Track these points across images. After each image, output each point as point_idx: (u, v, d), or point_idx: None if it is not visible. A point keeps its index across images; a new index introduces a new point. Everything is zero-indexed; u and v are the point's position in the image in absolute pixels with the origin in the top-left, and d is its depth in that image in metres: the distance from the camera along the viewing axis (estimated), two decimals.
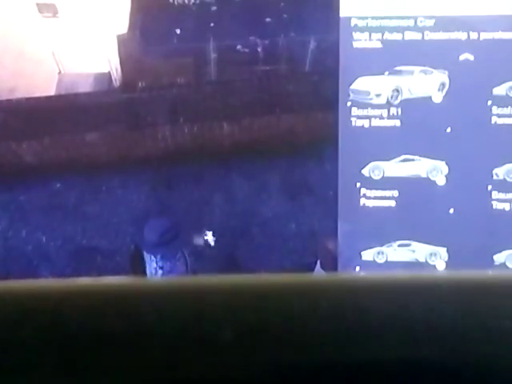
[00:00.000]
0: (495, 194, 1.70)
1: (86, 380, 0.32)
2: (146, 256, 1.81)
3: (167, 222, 1.82)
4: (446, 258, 1.74)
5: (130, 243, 1.89)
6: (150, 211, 1.92)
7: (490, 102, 1.68)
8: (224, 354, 0.33)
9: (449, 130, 1.71)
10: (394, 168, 1.75)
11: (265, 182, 1.93)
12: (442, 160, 1.72)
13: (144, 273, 1.81)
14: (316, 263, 1.81)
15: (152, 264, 1.80)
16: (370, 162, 1.75)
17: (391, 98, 1.73)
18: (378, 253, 1.77)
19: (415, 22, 1.69)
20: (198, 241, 1.84)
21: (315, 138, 1.88)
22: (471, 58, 1.68)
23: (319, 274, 1.81)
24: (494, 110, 1.68)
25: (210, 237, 1.85)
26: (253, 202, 1.92)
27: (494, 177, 1.69)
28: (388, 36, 1.71)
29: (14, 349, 0.32)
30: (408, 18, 1.70)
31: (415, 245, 1.75)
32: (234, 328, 0.34)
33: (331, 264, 1.78)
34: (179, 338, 0.34)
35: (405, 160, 1.74)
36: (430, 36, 1.69)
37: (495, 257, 1.70)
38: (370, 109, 1.75)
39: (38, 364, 0.31)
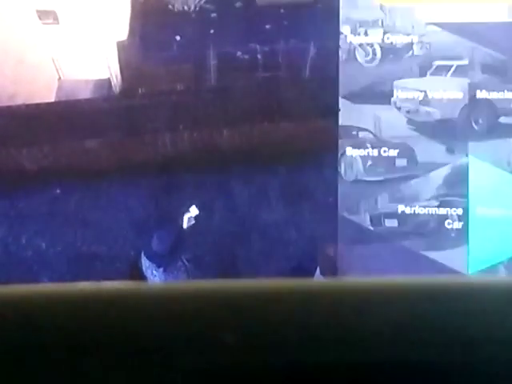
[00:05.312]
0: None
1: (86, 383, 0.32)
2: (147, 270, 1.78)
3: (173, 232, 1.80)
4: None
5: (129, 251, 1.89)
6: (149, 217, 1.92)
7: None
8: (225, 356, 0.33)
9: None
10: None
11: (264, 189, 1.93)
12: None
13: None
14: (316, 269, 1.81)
15: (154, 279, 1.78)
16: None
17: None
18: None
19: None
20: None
21: (315, 145, 1.88)
22: None
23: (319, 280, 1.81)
24: None
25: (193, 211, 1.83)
26: (253, 209, 1.92)
27: None
28: None
29: (14, 351, 0.32)
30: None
31: None
32: (234, 331, 0.34)
33: (331, 270, 1.78)
34: (181, 341, 0.34)
35: None
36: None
37: None
38: None
39: (38, 366, 0.32)
